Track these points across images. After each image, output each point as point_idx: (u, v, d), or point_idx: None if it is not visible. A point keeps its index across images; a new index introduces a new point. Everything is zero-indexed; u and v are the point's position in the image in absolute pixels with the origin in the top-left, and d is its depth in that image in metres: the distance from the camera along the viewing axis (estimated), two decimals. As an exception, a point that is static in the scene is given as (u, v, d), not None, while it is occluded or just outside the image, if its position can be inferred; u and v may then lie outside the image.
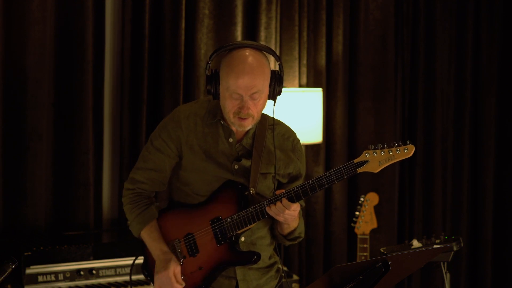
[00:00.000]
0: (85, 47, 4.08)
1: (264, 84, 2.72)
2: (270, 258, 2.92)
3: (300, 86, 4.67)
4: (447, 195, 5.22)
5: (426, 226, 5.13)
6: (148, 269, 2.92)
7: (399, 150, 2.62)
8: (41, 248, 3.61)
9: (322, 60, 4.75)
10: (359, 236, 4.08)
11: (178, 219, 2.85)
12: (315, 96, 4.44)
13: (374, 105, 4.91)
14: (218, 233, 2.79)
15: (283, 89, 4.53)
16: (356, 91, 4.90)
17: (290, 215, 2.72)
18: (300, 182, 2.89)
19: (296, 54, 4.64)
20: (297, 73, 4.65)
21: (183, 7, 4.31)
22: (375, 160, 2.63)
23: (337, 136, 4.80)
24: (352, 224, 4.13)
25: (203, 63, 4.34)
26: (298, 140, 2.92)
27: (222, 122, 2.81)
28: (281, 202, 2.70)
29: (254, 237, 2.85)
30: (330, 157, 4.81)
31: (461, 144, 5.24)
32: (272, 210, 2.71)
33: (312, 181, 2.68)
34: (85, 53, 4.08)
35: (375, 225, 4.11)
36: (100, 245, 3.77)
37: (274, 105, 2.80)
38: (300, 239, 2.92)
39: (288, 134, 2.90)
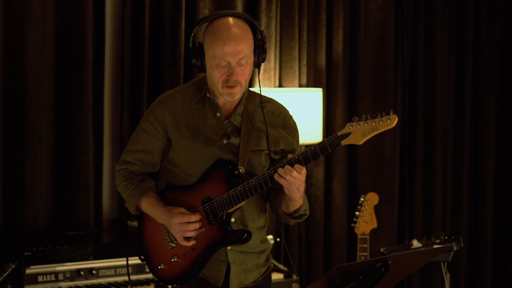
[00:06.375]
0: (85, 47, 4.08)
1: (250, 49, 2.73)
2: (261, 242, 2.91)
3: (300, 86, 4.67)
4: (447, 195, 5.21)
5: (426, 226, 5.13)
6: (144, 252, 2.91)
7: (382, 121, 2.60)
8: (41, 248, 3.61)
9: (322, 60, 4.75)
10: (359, 236, 4.08)
11: (171, 201, 2.85)
12: (315, 96, 4.44)
13: (374, 105, 4.91)
14: (209, 213, 2.79)
15: (283, 89, 4.58)
16: (356, 91, 4.90)
17: (298, 179, 2.66)
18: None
19: (296, 54, 4.64)
20: (297, 73, 4.65)
21: (183, 7, 4.31)
22: (359, 132, 2.62)
23: (337, 136, 4.79)
24: (352, 224, 4.13)
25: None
26: (290, 117, 2.92)
27: (208, 95, 2.81)
28: (281, 168, 2.65)
29: (245, 219, 2.84)
30: (330, 157, 4.80)
31: (461, 144, 5.24)
32: (280, 174, 2.65)
33: (297, 156, 2.66)
34: (85, 53, 4.08)
35: (375, 225, 4.11)
36: (100, 245, 3.76)
37: (259, 73, 2.81)
38: (306, 217, 2.89)
39: (279, 111, 2.89)
